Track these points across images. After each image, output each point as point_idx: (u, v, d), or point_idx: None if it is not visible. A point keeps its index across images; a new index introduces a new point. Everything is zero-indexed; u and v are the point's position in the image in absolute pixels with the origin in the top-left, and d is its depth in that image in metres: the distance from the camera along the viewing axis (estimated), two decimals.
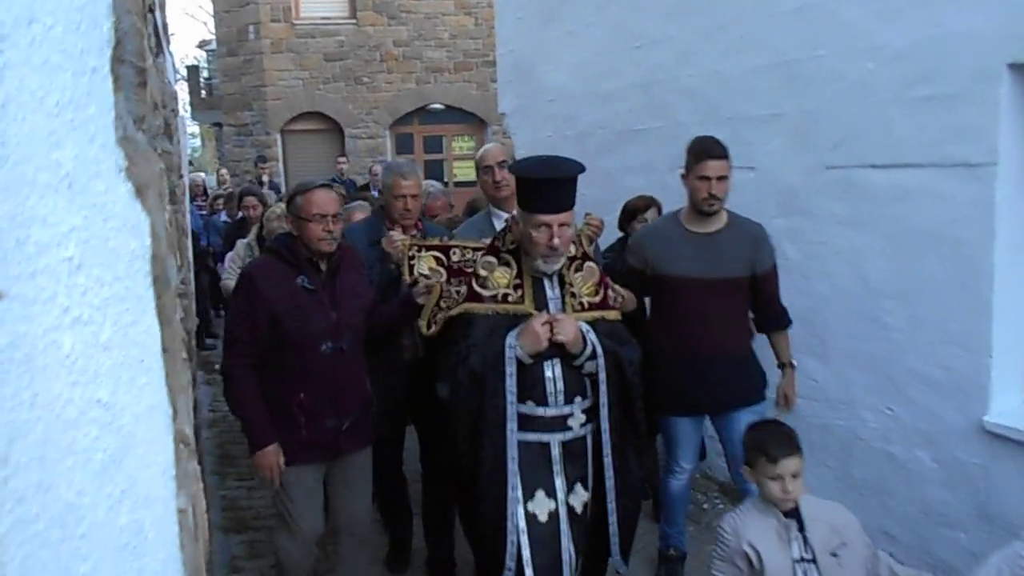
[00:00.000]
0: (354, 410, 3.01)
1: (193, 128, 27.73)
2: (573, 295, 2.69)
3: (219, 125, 17.03)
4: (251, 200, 6.42)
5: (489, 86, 13.20)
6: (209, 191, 10.50)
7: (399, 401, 3.43)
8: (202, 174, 12.26)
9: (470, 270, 3.10)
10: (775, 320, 3.43)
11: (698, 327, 3.25)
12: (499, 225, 3.38)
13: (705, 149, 3.24)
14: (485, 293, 2.66)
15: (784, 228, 4.05)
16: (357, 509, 3.15)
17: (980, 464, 3.27)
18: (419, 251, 3.15)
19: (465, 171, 14.48)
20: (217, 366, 7.64)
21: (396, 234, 3.26)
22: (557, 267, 2.64)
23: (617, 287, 2.92)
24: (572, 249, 2.71)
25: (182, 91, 18.86)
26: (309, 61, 14.36)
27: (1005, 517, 3.21)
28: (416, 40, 14.53)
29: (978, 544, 3.34)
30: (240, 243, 5.18)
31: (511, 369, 2.52)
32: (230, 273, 4.86)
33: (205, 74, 21.48)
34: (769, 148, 4.21)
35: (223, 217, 8.31)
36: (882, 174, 3.59)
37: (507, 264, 2.69)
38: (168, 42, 4.58)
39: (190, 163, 14.09)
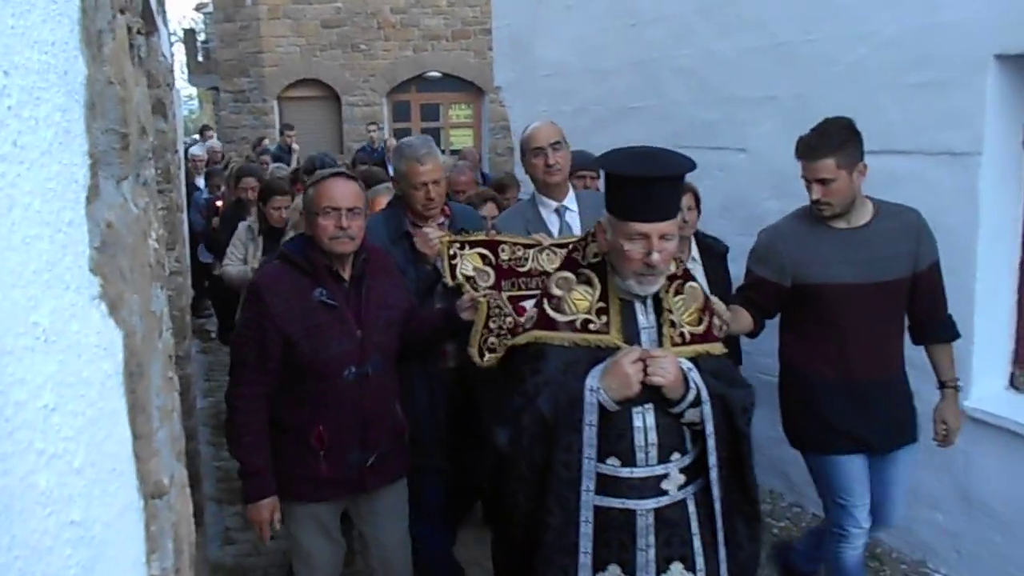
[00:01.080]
0: (382, 442, 2.59)
1: (190, 91, 27.51)
2: (672, 324, 2.12)
3: (216, 89, 16.89)
4: (250, 181, 5.70)
5: (487, 54, 13.04)
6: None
7: (441, 423, 2.93)
8: (218, 143, 11.46)
9: (523, 270, 2.73)
10: (940, 329, 2.84)
11: (854, 344, 2.72)
12: (547, 215, 3.16)
13: (799, 145, 2.80)
14: (560, 318, 2.11)
15: (776, 210, 4.05)
16: (392, 543, 2.73)
17: (961, 448, 3.34)
18: (461, 248, 2.70)
19: (462, 139, 14.40)
20: (213, 334, 7.70)
21: (431, 231, 2.81)
22: (654, 289, 2.08)
23: (719, 307, 2.37)
24: (671, 265, 2.15)
25: (179, 53, 18.67)
26: (306, 28, 14.19)
27: (983, 500, 3.30)
28: (413, 7, 14.34)
29: (957, 525, 3.43)
30: (241, 226, 4.82)
31: (591, 418, 1.99)
32: (231, 259, 4.60)
33: (202, 37, 21.21)
34: (762, 130, 4.21)
35: (204, 195, 7.68)
36: (872, 159, 3.57)
37: (588, 282, 2.12)
38: (164, 14, 4.53)
39: (210, 127, 13.78)
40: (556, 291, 2.15)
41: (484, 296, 2.54)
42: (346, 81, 14.48)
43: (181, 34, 22.36)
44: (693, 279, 2.25)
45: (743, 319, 2.84)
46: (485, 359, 2.40)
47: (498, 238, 2.77)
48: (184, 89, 22.13)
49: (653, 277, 2.04)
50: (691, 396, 2.03)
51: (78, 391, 0.59)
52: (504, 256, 2.73)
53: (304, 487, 2.54)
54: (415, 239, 2.85)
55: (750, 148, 4.28)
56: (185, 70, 19.53)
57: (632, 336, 2.09)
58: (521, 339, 2.17)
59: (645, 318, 2.12)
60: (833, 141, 2.70)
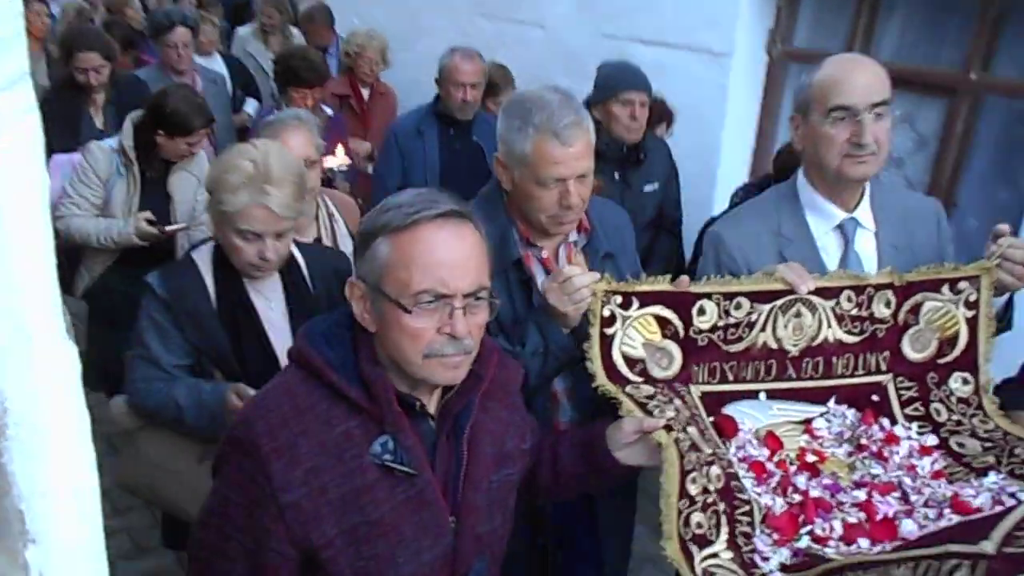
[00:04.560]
0: None
1: None
2: None
3: None
4: (92, 57, 3.63)
5: None
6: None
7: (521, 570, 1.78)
8: None
9: (736, 349, 1.52)
10: None
11: None
12: (820, 231, 1.74)
13: None
14: None
15: (565, 86, 4.48)
16: None
17: None
18: (624, 305, 1.49)
19: None
20: None
21: (579, 272, 1.57)
22: None
23: None
24: None
25: None
26: None
27: None
28: None
29: None
30: (94, 147, 2.94)
31: None
32: (74, 201, 2.89)
33: None
34: (558, 10, 4.52)
35: None
36: (648, 49, 4.06)
37: None
38: None
39: None
40: None
41: (667, 425, 1.35)
42: None
43: None
44: None
45: None
46: (696, 557, 1.23)
47: (696, 288, 1.51)
48: None
49: None
50: None
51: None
52: (705, 321, 1.51)
53: None
54: (546, 288, 1.62)
55: (547, 26, 4.58)
56: None
57: None
58: None
59: None
60: None
